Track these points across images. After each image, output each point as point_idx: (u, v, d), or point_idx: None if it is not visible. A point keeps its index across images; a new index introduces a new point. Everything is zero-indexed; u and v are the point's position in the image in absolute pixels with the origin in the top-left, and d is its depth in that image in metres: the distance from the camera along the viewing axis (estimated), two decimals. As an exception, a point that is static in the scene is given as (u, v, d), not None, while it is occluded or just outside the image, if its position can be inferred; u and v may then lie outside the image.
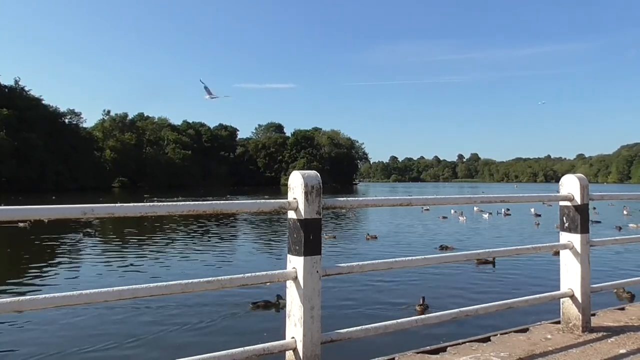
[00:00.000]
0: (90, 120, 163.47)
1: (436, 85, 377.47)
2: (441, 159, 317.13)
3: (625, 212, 34.65)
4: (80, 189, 79.46)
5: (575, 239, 4.11)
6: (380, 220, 31.29)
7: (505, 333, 4.02)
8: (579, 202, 4.11)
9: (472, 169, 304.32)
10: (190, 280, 2.65)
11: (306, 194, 2.82)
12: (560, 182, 4.32)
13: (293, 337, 2.86)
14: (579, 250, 4.08)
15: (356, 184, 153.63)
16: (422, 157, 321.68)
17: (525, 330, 4.11)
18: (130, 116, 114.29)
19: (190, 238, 21.99)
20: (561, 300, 4.19)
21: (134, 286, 2.50)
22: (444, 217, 31.37)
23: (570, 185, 4.18)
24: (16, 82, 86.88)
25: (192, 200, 3.67)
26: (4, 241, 20.91)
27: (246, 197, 48.23)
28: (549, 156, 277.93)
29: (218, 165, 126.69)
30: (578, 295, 4.05)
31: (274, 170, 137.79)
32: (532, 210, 33.71)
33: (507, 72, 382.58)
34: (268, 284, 3.08)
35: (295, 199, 2.87)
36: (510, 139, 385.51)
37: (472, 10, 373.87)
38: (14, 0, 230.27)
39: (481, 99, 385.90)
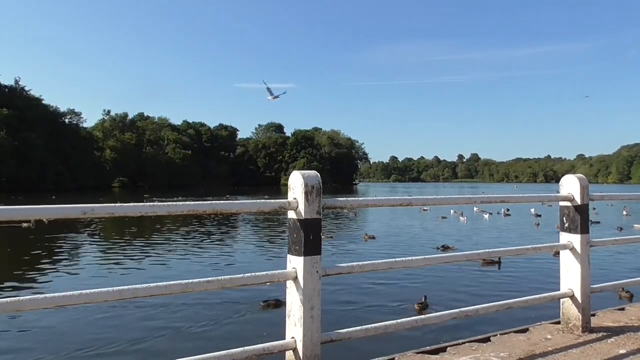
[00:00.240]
0: (90, 120, 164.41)
1: (436, 85, 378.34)
2: (441, 159, 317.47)
3: (625, 213, 34.66)
4: (80, 189, 79.48)
5: (575, 239, 4.11)
6: (379, 220, 31.30)
7: (505, 333, 4.02)
8: (579, 203, 4.11)
9: (472, 169, 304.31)
10: (190, 280, 2.64)
11: (306, 194, 2.82)
12: (560, 183, 4.32)
13: (293, 337, 2.86)
14: (579, 250, 4.08)
15: (356, 184, 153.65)
16: (422, 157, 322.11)
17: (525, 331, 4.10)
18: (130, 116, 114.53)
19: (190, 238, 21.99)
20: (561, 300, 4.18)
21: (134, 286, 2.49)
22: (444, 217, 31.37)
23: (570, 186, 4.18)
24: (16, 82, 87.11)
25: (192, 200, 3.67)
26: (4, 241, 20.92)
27: (246, 197, 48.22)
28: (549, 156, 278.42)
29: (218, 165, 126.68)
30: (578, 295, 4.05)
31: (274, 170, 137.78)
32: (532, 210, 33.73)
33: (507, 72, 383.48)
34: (268, 284, 3.07)
35: (295, 199, 2.87)
36: (510, 139, 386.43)
37: (472, 10, 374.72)
38: (14, 0, 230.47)
39: (481, 99, 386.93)
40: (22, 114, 78.59)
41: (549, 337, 3.96)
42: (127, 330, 8.39)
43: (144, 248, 18.52)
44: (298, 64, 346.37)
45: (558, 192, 4.30)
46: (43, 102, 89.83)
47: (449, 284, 12.11)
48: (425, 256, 3.66)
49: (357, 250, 18.12)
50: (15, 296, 2.24)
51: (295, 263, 2.86)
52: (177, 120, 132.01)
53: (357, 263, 3.22)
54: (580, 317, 4.04)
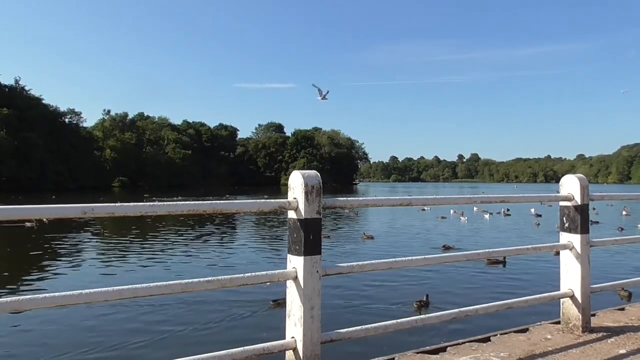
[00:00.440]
0: (90, 120, 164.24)
1: (436, 85, 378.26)
2: (441, 159, 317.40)
3: (624, 213, 34.65)
4: (80, 189, 79.49)
5: (575, 239, 4.11)
6: (379, 220, 31.30)
7: (505, 333, 4.02)
8: (579, 203, 4.11)
9: (472, 169, 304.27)
10: (190, 280, 2.64)
11: (306, 193, 2.82)
12: (560, 183, 4.32)
13: (293, 337, 2.86)
14: (579, 250, 4.08)
15: (356, 184, 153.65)
16: (422, 157, 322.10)
17: (525, 331, 4.11)
18: (130, 116, 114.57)
19: (190, 238, 21.99)
20: (561, 300, 4.18)
21: (134, 286, 2.49)
22: (443, 217, 31.35)
23: (570, 186, 4.18)
24: (16, 81, 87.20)
25: (192, 200, 3.67)
26: (5, 241, 20.92)
27: (246, 197, 48.23)
28: (549, 156, 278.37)
29: (218, 165, 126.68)
30: (578, 295, 4.05)
31: (274, 170, 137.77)
32: (532, 210, 33.71)
33: (507, 72, 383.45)
34: (268, 283, 3.07)
35: (295, 198, 2.87)
36: (510, 139, 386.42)
37: (472, 10, 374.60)
38: (14, 0, 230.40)
39: (481, 99, 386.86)
40: (22, 113, 78.60)
41: (549, 337, 3.96)
42: (127, 330, 8.39)
43: (144, 248, 18.52)
44: (298, 64, 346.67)
45: (558, 192, 4.30)
46: (43, 101, 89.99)
47: (449, 284, 12.10)
48: (425, 256, 3.66)
49: (354, 250, 18.11)
50: (15, 296, 2.24)
51: (296, 263, 2.86)
52: (177, 120, 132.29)
53: (357, 263, 3.22)
54: (580, 317, 4.04)
